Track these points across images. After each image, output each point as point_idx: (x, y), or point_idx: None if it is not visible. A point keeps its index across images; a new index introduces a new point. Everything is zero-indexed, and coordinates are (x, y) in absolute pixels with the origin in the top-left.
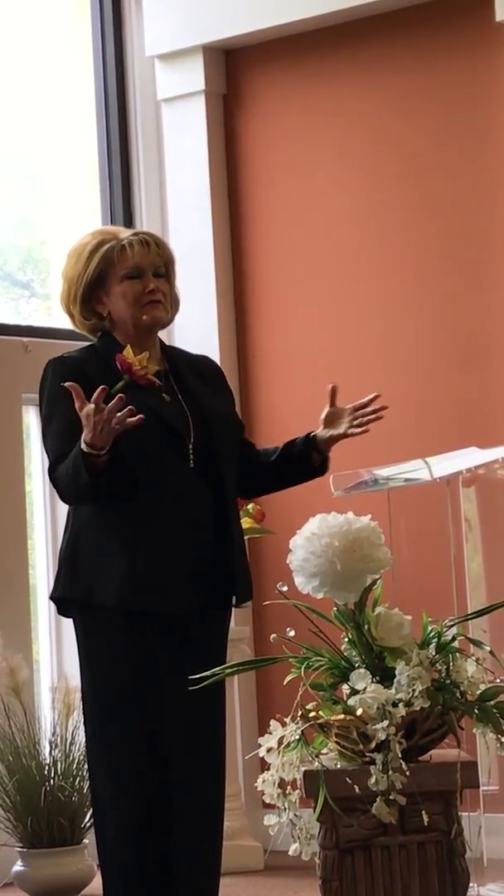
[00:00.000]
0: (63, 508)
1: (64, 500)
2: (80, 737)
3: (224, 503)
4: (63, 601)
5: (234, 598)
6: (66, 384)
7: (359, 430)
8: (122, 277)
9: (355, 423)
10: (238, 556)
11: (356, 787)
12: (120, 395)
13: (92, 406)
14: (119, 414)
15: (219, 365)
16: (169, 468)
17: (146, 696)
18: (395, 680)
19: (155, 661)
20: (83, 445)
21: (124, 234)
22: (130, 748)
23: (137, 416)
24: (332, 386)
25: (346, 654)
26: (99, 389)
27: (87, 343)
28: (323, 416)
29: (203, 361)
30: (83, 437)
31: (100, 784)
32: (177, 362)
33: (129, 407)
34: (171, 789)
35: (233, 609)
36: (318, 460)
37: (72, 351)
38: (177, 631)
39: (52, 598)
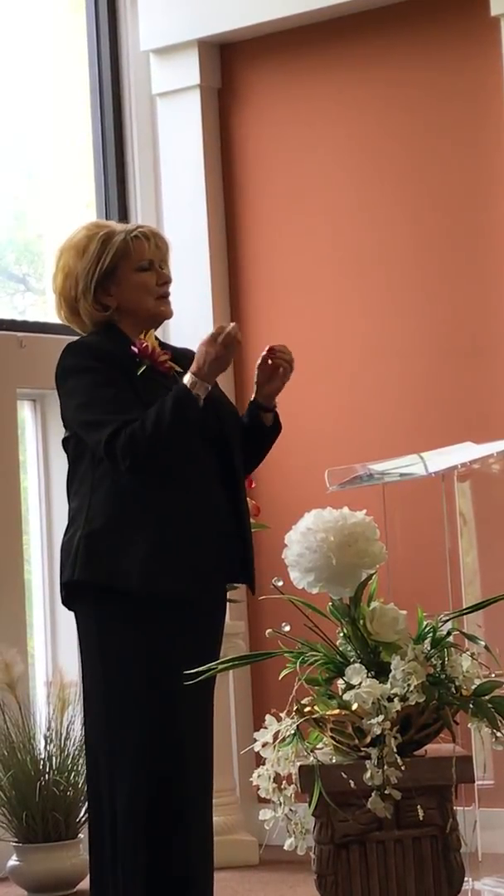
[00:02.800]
0: (58, 503)
1: (136, 459)
2: (75, 731)
3: (237, 490)
4: (76, 585)
5: (246, 584)
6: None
7: (272, 370)
8: (136, 269)
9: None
10: (251, 544)
11: (351, 782)
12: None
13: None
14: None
15: None
16: (188, 453)
17: (161, 681)
18: (390, 675)
19: (170, 645)
20: (188, 382)
21: (122, 226)
22: (146, 732)
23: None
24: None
25: (341, 649)
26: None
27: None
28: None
29: (192, 355)
30: (190, 376)
31: (107, 770)
32: (176, 355)
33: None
34: (182, 773)
35: (228, 602)
36: (269, 420)
37: (85, 336)
38: (191, 615)
39: (63, 582)
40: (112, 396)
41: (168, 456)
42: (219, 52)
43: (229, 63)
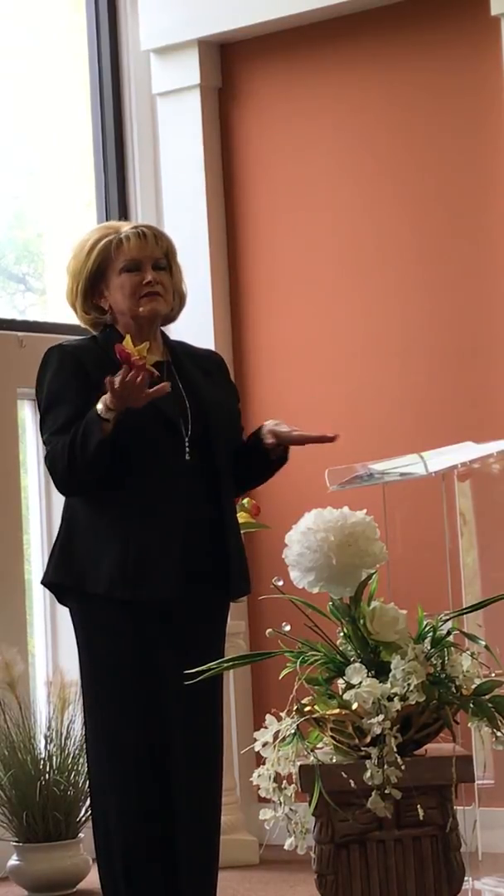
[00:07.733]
0: (58, 502)
1: (62, 481)
2: (76, 731)
3: (218, 496)
4: (54, 587)
5: (228, 592)
6: (106, 380)
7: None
8: (120, 270)
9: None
10: (232, 550)
11: (352, 782)
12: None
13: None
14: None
15: (223, 359)
16: (165, 458)
17: (143, 682)
18: (390, 674)
19: (151, 647)
20: (99, 408)
21: (125, 228)
22: (129, 734)
23: (162, 385)
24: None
25: (341, 648)
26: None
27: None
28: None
29: (207, 356)
30: (102, 400)
31: (99, 772)
32: (179, 355)
33: (164, 383)
34: (170, 773)
35: (230, 602)
36: (276, 454)
37: (72, 339)
38: (170, 620)
39: (42, 582)
40: (63, 415)
41: (95, 479)
42: (219, 51)
43: (229, 63)
